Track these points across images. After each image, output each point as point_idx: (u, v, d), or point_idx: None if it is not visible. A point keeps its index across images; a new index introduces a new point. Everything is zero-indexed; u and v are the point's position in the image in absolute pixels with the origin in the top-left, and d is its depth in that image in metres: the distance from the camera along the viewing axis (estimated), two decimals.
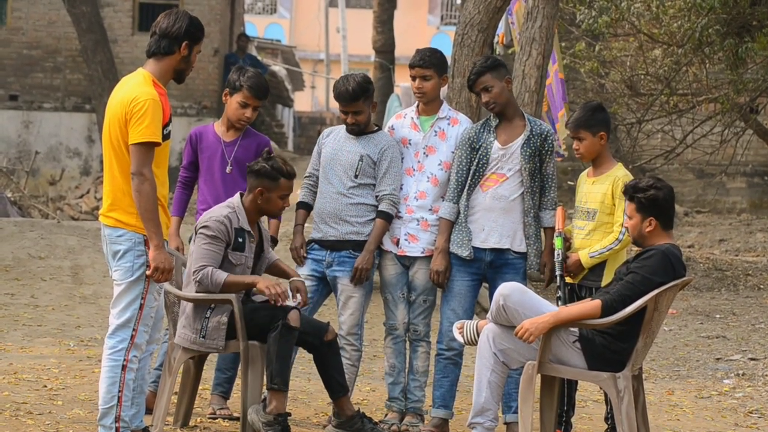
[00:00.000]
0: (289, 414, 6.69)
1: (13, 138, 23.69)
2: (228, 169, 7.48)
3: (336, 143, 7.42)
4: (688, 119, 17.25)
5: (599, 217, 6.98)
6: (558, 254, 7.00)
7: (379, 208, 7.32)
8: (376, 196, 7.34)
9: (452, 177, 7.31)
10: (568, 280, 7.06)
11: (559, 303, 6.89)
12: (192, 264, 6.77)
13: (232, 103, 7.48)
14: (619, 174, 7.00)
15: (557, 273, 6.99)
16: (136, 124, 5.98)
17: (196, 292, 6.78)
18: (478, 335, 6.58)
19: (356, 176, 7.32)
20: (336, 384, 6.91)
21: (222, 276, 6.71)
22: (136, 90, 6.04)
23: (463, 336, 6.70)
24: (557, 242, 7.02)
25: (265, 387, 6.76)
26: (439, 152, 7.43)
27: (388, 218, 7.32)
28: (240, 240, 6.84)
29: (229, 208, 6.87)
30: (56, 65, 23.84)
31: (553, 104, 13.87)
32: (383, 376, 7.71)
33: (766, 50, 14.23)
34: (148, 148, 5.99)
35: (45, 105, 23.80)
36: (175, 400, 7.21)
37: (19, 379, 8.05)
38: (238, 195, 6.95)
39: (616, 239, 6.90)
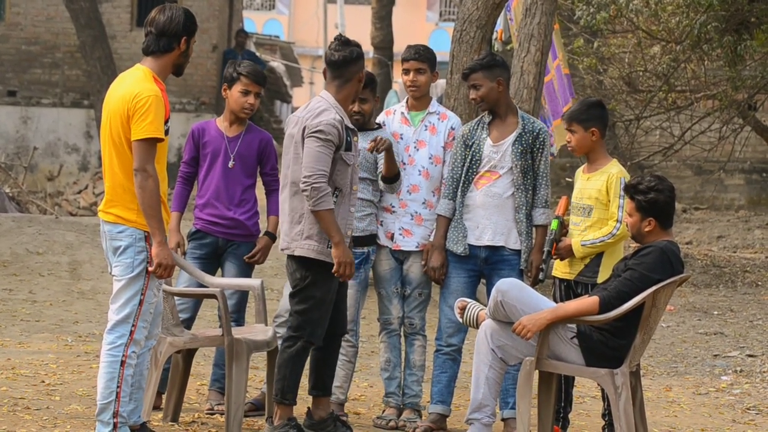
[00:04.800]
0: None
1: (12, 133, 23.69)
2: (231, 164, 7.50)
3: None
4: (687, 116, 17.25)
5: (595, 214, 6.98)
6: (551, 233, 7.02)
7: None
8: (378, 187, 7.36)
9: (448, 174, 7.33)
10: (562, 276, 7.06)
11: (541, 275, 7.01)
12: (306, 164, 6.47)
13: (233, 93, 7.49)
14: (613, 171, 7.00)
15: (545, 249, 7.02)
16: (140, 120, 5.96)
17: (292, 195, 6.58)
18: (477, 324, 6.60)
19: None
20: (321, 383, 6.81)
21: (331, 205, 6.47)
22: (138, 86, 6.03)
23: (462, 318, 6.72)
24: (553, 224, 7.04)
25: (273, 400, 6.76)
26: (429, 146, 7.47)
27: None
28: (349, 139, 6.63)
29: (334, 108, 6.59)
30: (55, 61, 23.84)
31: (554, 101, 13.84)
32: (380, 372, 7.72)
33: (764, 47, 14.24)
34: (151, 144, 5.98)
35: (43, 101, 23.79)
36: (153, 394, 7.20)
37: (17, 375, 8.06)
38: (329, 95, 6.65)
39: (610, 233, 6.90)
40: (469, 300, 6.82)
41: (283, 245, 6.70)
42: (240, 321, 7.48)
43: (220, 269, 7.63)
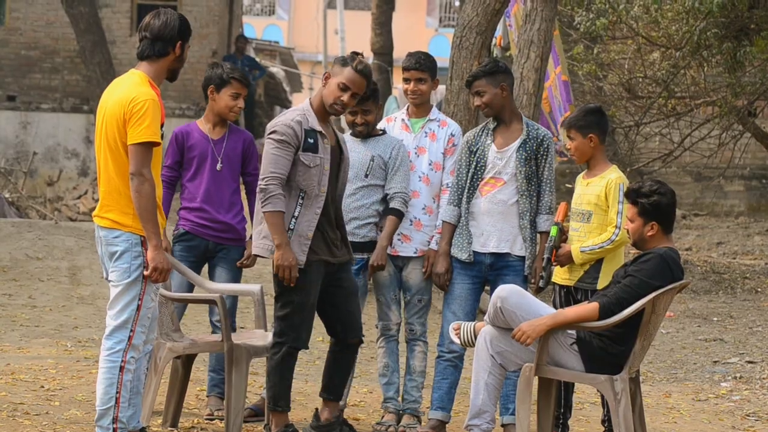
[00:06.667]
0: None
1: (11, 139, 23.67)
2: (219, 167, 7.51)
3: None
4: (686, 122, 17.24)
5: (595, 219, 6.98)
6: (551, 239, 7.03)
7: (390, 206, 7.32)
8: (386, 194, 7.34)
9: (453, 180, 7.34)
10: (561, 282, 7.06)
11: (541, 282, 7.01)
12: (262, 167, 6.56)
13: (223, 97, 7.53)
14: (612, 176, 7.00)
15: (545, 255, 7.03)
16: (136, 124, 5.96)
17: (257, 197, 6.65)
18: (476, 337, 6.59)
19: (366, 176, 7.33)
20: (333, 386, 6.83)
21: (278, 207, 6.48)
22: (134, 90, 6.03)
23: (459, 337, 6.70)
24: (552, 230, 7.05)
25: (266, 407, 6.76)
26: (429, 152, 7.48)
27: (399, 216, 7.31)
28: (310, 140, 6.61)
29: (298, 111, 6.67)
30: (54, 66, 23.82)
31: (555, 107, 13.86)
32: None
33: (764, 53, 14.25)
34: (147, 148, 5.98)
35: (43, 106, 23.78)
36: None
37: (17, 380, 8.05)
38: (307, 99, 6.79)
39: (609, 239, 6.90)
40: (459, 322, 6.82)
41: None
42: (232, 326, 7.46)
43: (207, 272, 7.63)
